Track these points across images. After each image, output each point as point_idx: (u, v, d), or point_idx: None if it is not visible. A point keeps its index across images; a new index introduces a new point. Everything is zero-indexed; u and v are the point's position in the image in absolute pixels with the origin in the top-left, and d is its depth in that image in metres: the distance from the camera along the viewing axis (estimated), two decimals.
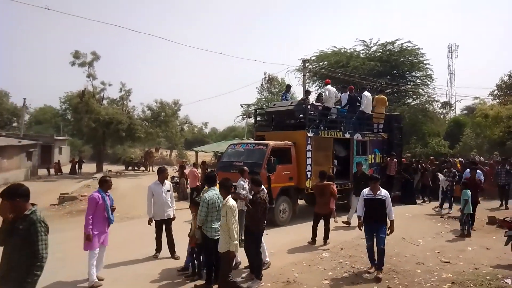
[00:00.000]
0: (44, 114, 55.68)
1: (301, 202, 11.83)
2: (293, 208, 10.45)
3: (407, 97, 29.14)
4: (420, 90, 28.38)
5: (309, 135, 10.70)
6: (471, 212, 9.21)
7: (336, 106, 12.89)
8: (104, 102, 31.07)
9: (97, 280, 5.78)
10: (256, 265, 5.83)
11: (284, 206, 10.21)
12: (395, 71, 28.45)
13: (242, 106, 38.83)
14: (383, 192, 6.32)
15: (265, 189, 6.13)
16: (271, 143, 10.24)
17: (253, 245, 5.87)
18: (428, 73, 28.04)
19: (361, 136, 12.56)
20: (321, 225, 8.27)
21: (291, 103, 11.65)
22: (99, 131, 28.37)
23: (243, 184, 7.31)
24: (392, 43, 28.12)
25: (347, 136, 12.13)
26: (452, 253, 7.66)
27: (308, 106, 11.46)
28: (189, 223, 6.97)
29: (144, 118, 31.32)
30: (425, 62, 27.84)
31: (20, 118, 41.18)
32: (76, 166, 29.48)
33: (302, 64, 23.85)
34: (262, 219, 5.79)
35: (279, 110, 11.80)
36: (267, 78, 41.38)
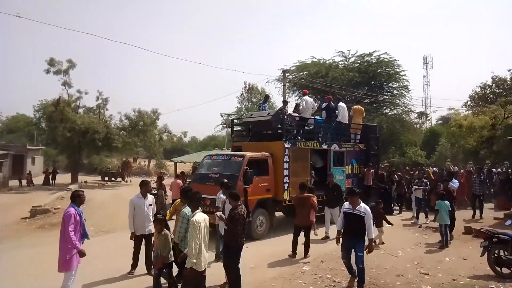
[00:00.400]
0: (16, 122, 53.93)
1: (278, 214, 11.58)
2: (270, 220, 10.22)
3: (384, 108, 29.72)
4: (397, 100, 29.02)
5: (286, 146, 10.55)
6: (447, 222, 9.20)
7: (313, 117, 12.86)
8: (80, 110, 30.31)
9: None
10: (234, 281, 5.67)
11: (261, 219, 9.93)
12: (373, 82, 29.01)
13: (222, 116, 38.67)
14: (363, 208, 6.10)
15: (242, 204, 5.98)
16: (248, 154, 10.06)
17: (231, 260, 5.72)
18: (404, 84, 28.75)
19: (338, 146, 12.53)
20: (301, 237, 8.18)
21: (268, 113, 11.52)
22: (75, 140, 27.60)
23: (222, 197, 7.16)
24: (370, 54, 28.73)
25: (325, 146, 12.08)
26: (431, 264, 7.71)
27: (286, 117, 11.40)
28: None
29: (122, 127, 30.68)
30: (401, 73, 28.55)
31: None
32: (50, 177, 28.46)
33: (282, 74, 24.00)
34: (241, 234, 5.65)
35: (256, 120, 11.63)
36: (247, 88, 41.53)
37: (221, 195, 7.16)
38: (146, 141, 31.37)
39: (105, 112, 30.93)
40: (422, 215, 12.42)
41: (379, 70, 28.40)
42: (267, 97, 13.66)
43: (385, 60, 28.31)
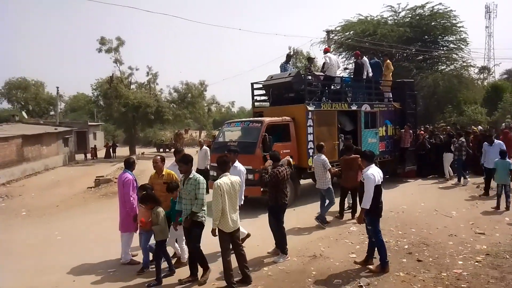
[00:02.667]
0: (77, 101, 57.77)
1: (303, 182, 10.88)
2: (295, 189, 9.45)
3: (440, 64, 27.78)
4: (454, 55, 26.92)
5: (309, 108, 9.73)
6: (507, 183, 8.51)
7: (340, 76, 11.82)
8: (133, 86, 31.73)
9: (133, 259, 5.94)
10: (279, 240, 5.86)
11: None
12: (426, 36, 27.08)
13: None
14: (366, 173, 5.26)
15: (284, 166, 6.05)
16: (267, 119, 9.42)
17: (273, 219, 5.93)
18: (462, 37, 26.52)
19: (369, 107, 11.44)
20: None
21: (289, 74, 10.49)
22: (129, 115, 29.16)
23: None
24: (422, 6, 26.68)
25: (354, 107, 11.06)
26: (488, 224, 7.36)
27: (308, 76, 10.63)
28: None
29: (171, 100, 31.79)
30: (458, 25, 26.27)
31: (55, 106, 42.89)
32: (110, 150, 30.55)
33: (326, 35, 23.16)
34: (279, 194, 5.79)
35: (277, 83, 10.70)
36: (291, 53, 40.57)
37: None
38: (195, 112, 32.31)
39: (155, 86, 32.15)
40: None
41: (433, 23, 26.35)
42: (289, 57, 12.27)
43: (440, 11, 26.15)
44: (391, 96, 12.61)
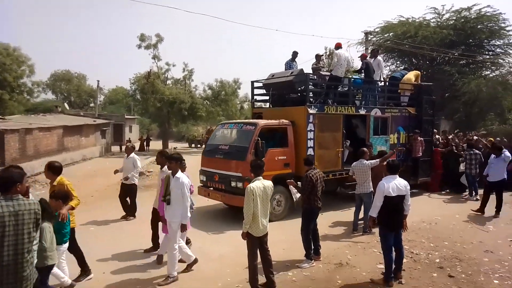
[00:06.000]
0: (116, 94, 59.90)
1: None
2: (290, 199, 8.43)
3: (484, 69, 26.44)
4: (500, 60, 25.54)
5: (310, 111, 8.82)
6: None
7: (350, 76, 10.82)
8: (169, 82, 32.45)
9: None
10: (305, 245, 5.81)
11: (277, 198, 8.31)
12: (470, 40, 25.82)
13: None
14: None
15: (316, 169, 6.02)
16: (261, 122, 8.60)
17: (303, 222, 5.92)
18: (511, 41, 25.07)
19: (380, 111, 10.44)
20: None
21: (292, 72, 9.62)
22: (164, 110, 29.86)
23: (166, 172, 5.80)
24: (468, 9, 25.46)
25: (363, 111, 10.06)
26: None
27: (311, 75, 9.84)
28: None
29: (205, 97, 32.23)
30: (507, 28, 24.87)
31: (95, 99, 44.69)
32: (144, 143, 31.43)
33: (365, 36, 22.64)
34: (312, 197, 5.78)
35: (278, 82, 9.84)
36: (327, 53, 40.01)
37: (165, 169, 5.97)
38: (228, 110, 32.58)
39: (190, 83, 32.73)
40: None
41: (479, 26, 25.05)
42: (295, 54, 11.03)
43: (487, 14, 24.85)
44: (406, 100, 11.59)
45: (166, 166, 5.89)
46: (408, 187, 5.17)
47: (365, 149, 7.99)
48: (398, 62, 28.48)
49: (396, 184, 5.03)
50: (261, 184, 4.76)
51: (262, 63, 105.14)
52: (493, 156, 9.25)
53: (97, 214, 9.11)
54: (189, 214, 5.28)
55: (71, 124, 21.64)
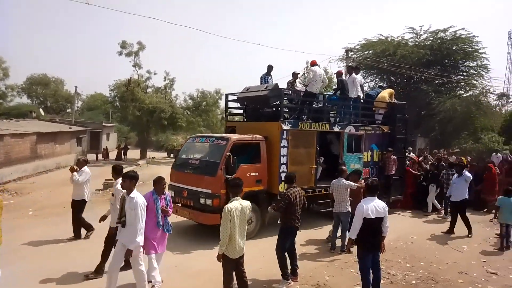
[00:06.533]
0: (95, 101, 58.67)
1: None
2: (262, 217, 8.32)
3: (458, 89, 27.40)
4: (473, 81, 26.55)
5: (284, 127, 8.63)
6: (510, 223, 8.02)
7: (324, 93, 10.93)
8: (149, 90, 32.04)
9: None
10: (280, 264, 5.71)
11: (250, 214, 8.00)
12: (446, 60, 26.85)
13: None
14: None
15: (296, 188, 5.94)
16: (234, 137, 8.31)
17: (278, 239, 5.85)
18: (483, 63, 26.15)
19: (354, 129, 10.40)
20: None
21: (266, 87, 9.51)
22: (143, 119, 29.40)
23: (120, 190, 5.52)
24: (445, 30, 26.50)
25: (337, 128, 9.96)
26: (501, 263, 7.09)
27: (286, 91, 9.76)
28: None
29: (186, 107, 31.98)
30: (480, 51, 25.96)
31: (72, 105, 43.64)
32: (122, 152, 30.80)
33: (345, 53, 23.11)
34: (288, 216, 5.71)
35: (252, 96, 9.70)
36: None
37: (118, 187, 5.60)
38: (208, 120, 32.40)
39: (171, 92, 32.43)
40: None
41: (454, 48, 26.12)
42: (270, 68, 10.91)
43: (462, 36, 25.92)
44: (380, 118, 11.72)
45: (119, 182, 5.55)
46: (387, 209, 5.17)
47: (344, 167, 8.02)
48: (377, 79, 29.16)
49: (375, 206, 5.02)
50: (239, 205, 4.64)
51: (245, 75, 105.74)
52: (455, 175, 9.45)
53: (67, 228, 8.74)
54: (141, 238, 4.81)
55: (46, 131, 20.98)
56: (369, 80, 29.01)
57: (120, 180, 5.53)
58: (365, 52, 28.11)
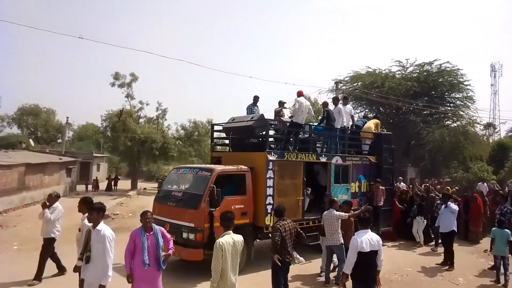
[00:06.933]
0: (86, 131, 58.40)
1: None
2: (247, 251, 7.90)
3: (446, 119, 28.01)
4: (460, 112, 27.21)
5: (270, 158, 8.48)
6: (505, 255, 7.90)
7: (310, 123, 10.84)
8: (141, 120, 32.15)
9: None
10: None
11: None
12: (433, 92, 27.55)
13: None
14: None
15: (287, 220, 5.87)
16: (218, 168, 8.14)
17: (272, 274, 5.73)
18: (469, 95, 26.96)
19: (341, 159, 10.35)
20: None
21: (252, 117, 9.51)
22: (135, 149, 29.32)
23: (87, 225, 5.25)
24: (430, 63, 27.37)
25: (324, 159, 9.90)
26: None
27: (272, 121, 9.70)
28: None
29: (178, 137, 32.04)
30: (465, 83, 26.83)
31: (63, 135, 43.37)
32: (112, 183, 30.39)
33: (335, 85, 23.63)
34: (278, 249, 5.58)
35: (237, 126, 9.67)
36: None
37: (86, 222, 5.32)
38: (200, 150, 32.40)
39: (163, 122, 32.55)
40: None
41: (440, 80, 26.92)
42: (256, 99, 10.89)
43: (447, 69, 26.82)
44: (367, 148, 11.66)
45: (86, 216, 5.24)
46: (381, 242, 5.14)
47: (335, 198, 8.00)
48: (366, 110, 29.71)
49: (368, 239, 4.98)
50: (231, 239, 4.57)
51: (237, 106, 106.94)
52: (443, 206, 9.41)
53: (50, 264, 8.41)
54: (110, 274, 4.56)
55: (34, 162, 20.68)
56: (358, 111, 29.54)
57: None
58: (354, 84, 28.76)
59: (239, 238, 4.71)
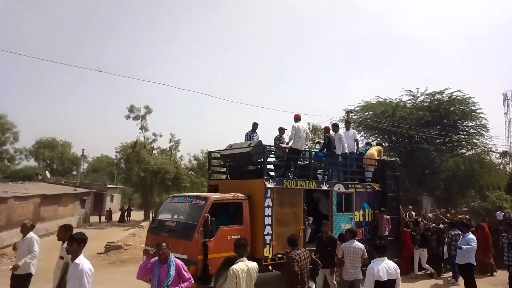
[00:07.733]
0: (100, 163, 59.42)
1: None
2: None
3: (460, 148, 27.66)
4: (474, 140, 26.89)
5: (268, 185, 8.09)
6: None
7: (310, 150, 10.52)
8: (155, 152, 32.66)
9: None
10: None
11: None
12: (445, 121, 27.35)
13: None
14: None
15: (301, 248, 5.78)
16: (213, 196, 7.75)
17: None
18: (482, 123, 26.69)
19: (344, 187, 9.87)
20: None
21: (249, 144, 9.23)
22: (148, 179, 29.65)
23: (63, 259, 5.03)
24: (441, 92, 27.32)
25: (325, 187, 9.46)
26: None
27: (271, 148, 9.43)
28: None
29: (191, 167, 32.31)
30: (478, 111, 26.62)
31: (78, 167, 44.15)
32: (125, 214, 30.54)
33: (346, 114, 23.77)
34: (290, 280, 5.33)
35: (235, 153, 9.31)
36: (311, 128, 41.46)
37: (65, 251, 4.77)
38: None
39: (176, 153, 33.02)
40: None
41: (452, 108, 26.78)
42: (255, 125, 10.59)
43: (458, 98, 26.69)
44: (370, 176, 11.14)
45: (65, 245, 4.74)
46: (398, 270, 5.00)
47: (355, 229, 7.70)
48: (378, 139, 29.64)
49: (386, 267, 4.86)
50: (245, 266, 4.51)
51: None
52: (461, 236, 8.87)
53: None
54: None
55: (50, 193, 21.07)
56: (370, 140, 29.44)
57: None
58: (365, 113, 28.84)
59: (253, 265, 4.64)
